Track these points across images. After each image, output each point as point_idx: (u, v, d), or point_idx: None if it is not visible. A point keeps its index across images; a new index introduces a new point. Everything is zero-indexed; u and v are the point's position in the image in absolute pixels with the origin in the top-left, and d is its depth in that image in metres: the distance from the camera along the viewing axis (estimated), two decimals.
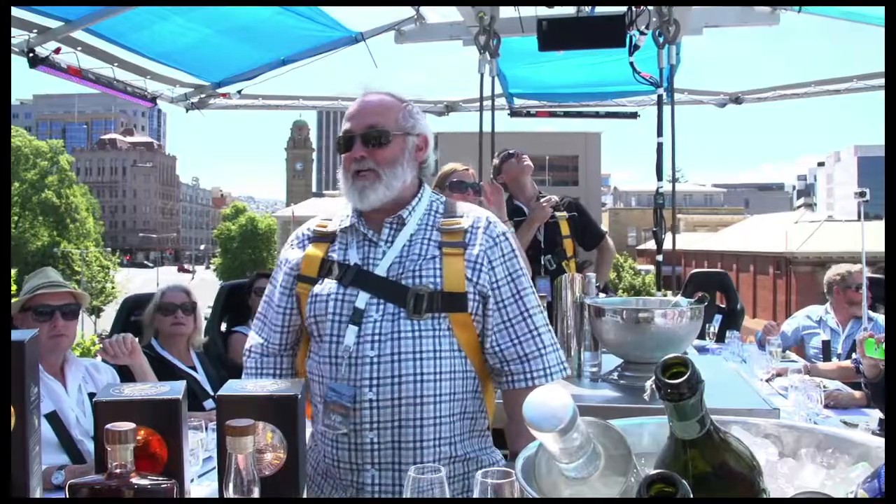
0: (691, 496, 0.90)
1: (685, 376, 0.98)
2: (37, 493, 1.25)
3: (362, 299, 1.91)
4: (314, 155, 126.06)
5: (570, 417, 0.99)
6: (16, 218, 52.04)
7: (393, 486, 1.88)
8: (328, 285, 1.95)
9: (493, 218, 2.08)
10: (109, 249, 61.71)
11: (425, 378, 1.88)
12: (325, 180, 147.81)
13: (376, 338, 1.88)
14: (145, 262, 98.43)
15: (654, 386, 0.99)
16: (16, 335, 1.22)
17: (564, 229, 4.88)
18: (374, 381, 1.86)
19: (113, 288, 49.36)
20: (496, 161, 4.97)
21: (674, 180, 5.24)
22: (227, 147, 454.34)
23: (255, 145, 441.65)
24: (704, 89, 7.39)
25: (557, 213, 4.80)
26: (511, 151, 4.93)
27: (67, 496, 1.18)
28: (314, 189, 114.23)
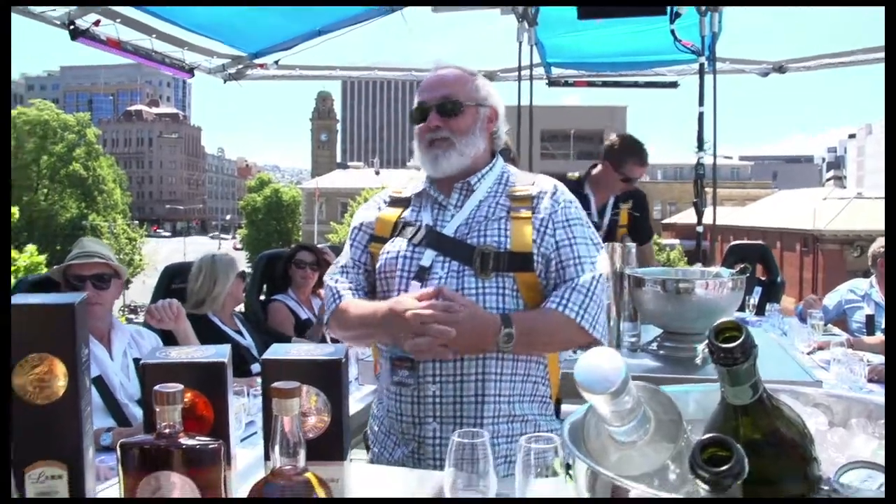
0: (745, 460, 0.89)
1: (739, 340, 0.97)
2: (89, 453, 1.27)
3: (429, 257, 1.98)
4: (338, 126, 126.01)
5: (622, 380, 0.99)
6: (45, 191, 52.71)
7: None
8: (398, 243, 2.04)
9: (562, 186, 2.12)
10: (137, 222, 62.41)
11: None
12: (350, 151, 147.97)
13: None
14: (161, 231, 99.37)
15: (706, 350, 0.98)
16: (66, 298, 1.24)
17: (623, 218, 4.69)
18: None
19: (140, 259, 49.95)
20: (616, 142, 4.61)
21: (715, 151, 5.15)
22: (252, 118, 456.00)
23: (279, 116, 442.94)
24: (747, 58, 7.18)
25: (622, 206, 4.62)
26: (631, 178, 4.53)
27: (118, 455, 1.20)
28: (339, 160, 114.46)
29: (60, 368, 1.21)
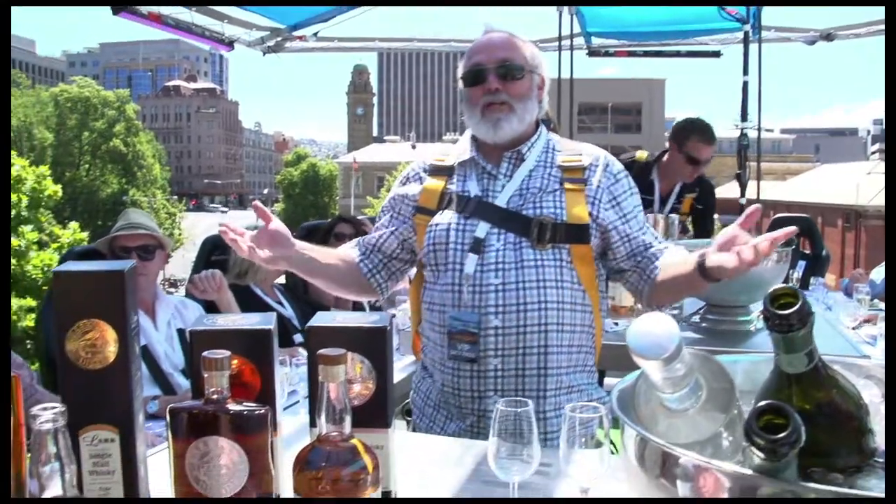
0: (802, 428, 0.88)
1: (795, 307, 0.95)
2: (140, 418, 1.29)
3: (482, 229, 1.95)
4: (375, 99, 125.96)
5: (675, 346, 0.98)
6: (87, 167, 53.60)
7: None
8: (448, 215, 2.00)
9: (611, 157, 2.11)
10: (175, 197, 63.24)
11: (549, 306, 1.92)
12: (386, 125, 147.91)
13: (499, 266, 1.92)
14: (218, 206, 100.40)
15: (762, 316, 0.96)
16: (116, 265, 1.25)
17: (685, 207, 4.50)
18: (500, 308, 1.90)
19: (180, 234, 50.66)
20: (680, 122, 4.45)
21: (759, 124, 5.04)
22: (289, 92, 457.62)
23: (316, 90, 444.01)
24: (793, 26, 6.93)
25: (687, 193, 4.44)
26: (696, 157, 4.30)
27: (168, 420, 1.22)
28: (375, 133, 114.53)
29: (111, 334, 1.23)
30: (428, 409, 2.07)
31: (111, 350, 1.24)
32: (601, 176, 2.02)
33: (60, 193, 14.46)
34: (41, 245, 12.07)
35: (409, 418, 2.22)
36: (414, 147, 68.01)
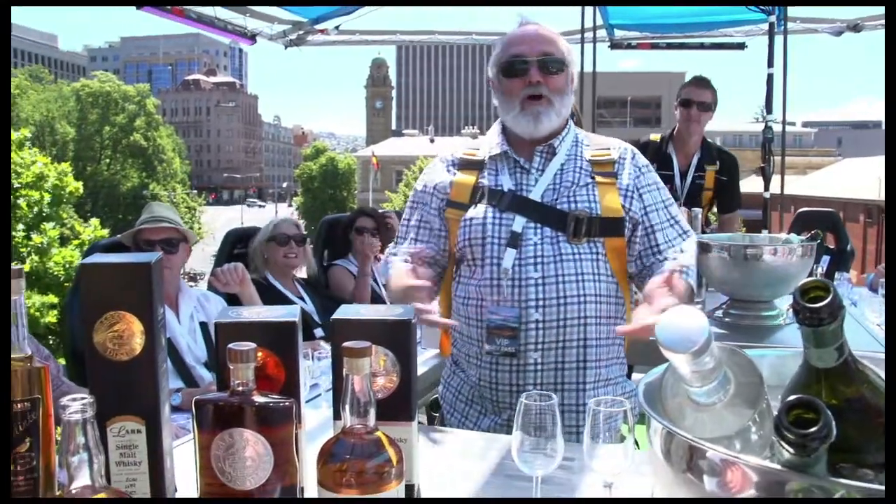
0: (833, 423, 0.87)
1: (826, 300, 0.94)
2: (166, 409, 1.30)
3: (519, 223, 1.95)
4: (393, 93, 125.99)
5: (704, 339, 0.97)
6: (108, 161, 54.10)
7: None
8: (482, 209, 1.99)
9: (635, 150, 2.13)
10: (195, 191, 63.68)
11: (587, 299, 1.93)
12: (405, 118, 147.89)
13: (538, 260, 1.92)
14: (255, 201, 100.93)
15: (791, 310, 0.95)
16: (143, 257, 1.26)
17: (709, 181, 4.48)
18: (540, 302, 1.91)
19: (199, 228, 51.01)
20: (680, 85, 4.52)
21: (784, 116, 4.99)
22: (308, 86, 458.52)
23: (335, 83, 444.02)
24: (819, 16, 6.78)
25: (707, 166, 4.44)
26: (689, 99, 4.39)
27: (193, 412, 1.22)
28: (394, 127, 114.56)
29: (137, 326, 1.24)
30: (459, 404, 2.07)
31: (138, 342, 1.24)
32: (630, 169, 2.05)
33: (82, 190, 14.59)
34: (63, 241, 12.19)
35: (434, 413, 2.22)
36: (432, 141, 67.96)
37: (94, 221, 13.27)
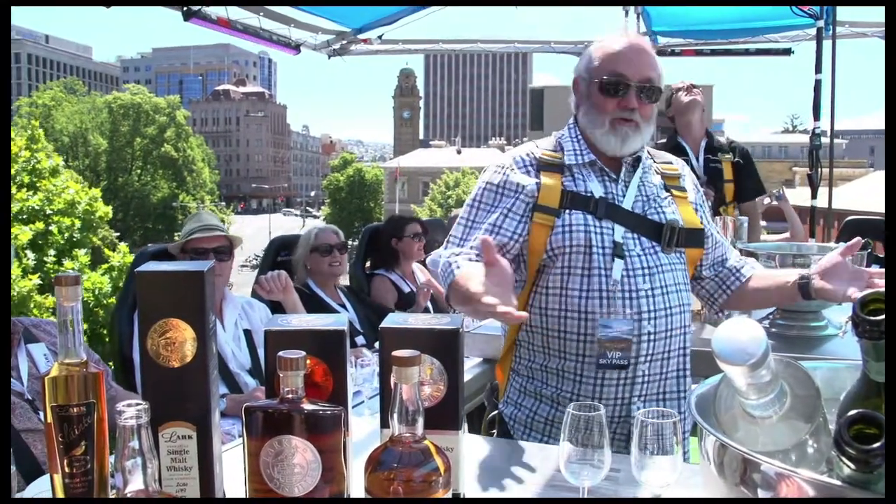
0: None
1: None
2: (216, 415, 1.32)
3: (618, 232, 1.92)
4: (421, 102, 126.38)
5: (762, 352, 0.96)
6: (138, 172, 54.90)
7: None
8: (579, 217, 1.92)
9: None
10: (224, 203, 64.34)
11: (685, 309, 1.97)
12: (433, 127, 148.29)
13: (646, 271, 1.91)
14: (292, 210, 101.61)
15: (850, 322, 0.94)
16: (195, 265, 1.28)
17: (728, 173, 4.54)
18: (651, 314, 1.89)
19: None
20: (667, 93, 4.64)
21: (832, 124, 4.92)
22: (337, 95, 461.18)
23: (363, 92, 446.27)
24: (868, 20, 6.58)
25: (722, 155, 4.52)
26: (679, 85, 4.58)
27: (243, 419, 1.24)
28: (421, 136, 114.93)
29: (189, 333, 1.25)
30: (538, 424, 1.99)
31: (189, 349, 1.26)
32: (692, 184, 2.12)
33: (111, 213, 14.73)
34: (94, 264, 12.29)
35: (492, 432, 2.15)
36: (459, 152, 68.09)
37: (123, 247, 13.38)
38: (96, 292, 11.37)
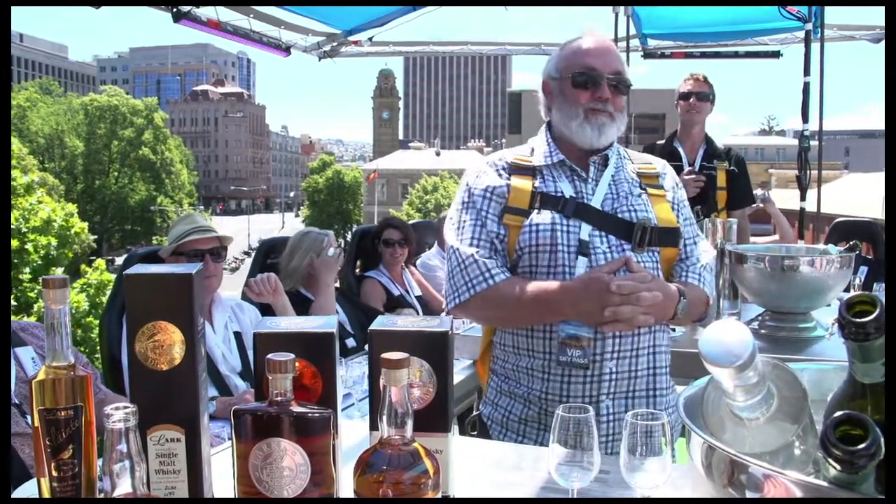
0: (882, 440, 0.87)
1: (873, 315, 0.94)
2: (205, 418, 1.31)
3: (585, 231, 1.94)
4: (400, 103, 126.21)
5: (749, 354, 0.97)
6: (116, 174, 54.37)
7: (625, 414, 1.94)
8: (547, 216, 1.95)
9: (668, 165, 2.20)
10: (202, 205, 63.87)
11: None
12: (412, 128, 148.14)
13: None
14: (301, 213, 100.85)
15: (837, 324, 0.95)
16: (184, 268, 1.27)
17: (721, 180, 4.54)
18: None
19: None
20: (678, 92, 4.65)
21: (821, 127, 4.97)
22: (316, 95, 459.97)
23: (342, 91, 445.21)
24: (856, 24, 6.70)
25: (718, 163, 4.52)
26: (688, 91, 4.55)
27: (231, 422, 1.23)
28: (401, 137, 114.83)
29: (178, 336, 1.25)
30: (513, 423, 2.02)
31: (178, 352, 1.25)
32: (672, 183, 2.11)
33: (87, 231, 14.55)
34: (70, 280, 12.20)
35: (473, 433, 2.16)
36: (438, 154, 68.07)
37: (100, 263, 13.23)
38: (73, 312, 11.27)
